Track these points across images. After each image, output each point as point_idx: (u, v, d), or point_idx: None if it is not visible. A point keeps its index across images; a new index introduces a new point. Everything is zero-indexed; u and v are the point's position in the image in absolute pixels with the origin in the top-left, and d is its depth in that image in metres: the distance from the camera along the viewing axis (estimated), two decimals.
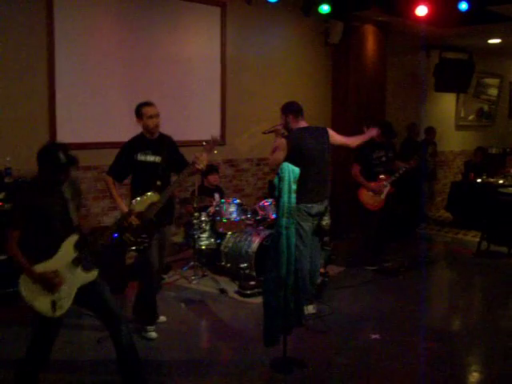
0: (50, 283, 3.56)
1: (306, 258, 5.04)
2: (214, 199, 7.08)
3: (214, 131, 6.75)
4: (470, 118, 13.04)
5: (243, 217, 6.85)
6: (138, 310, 5.01)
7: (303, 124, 5.22)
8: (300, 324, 4.57)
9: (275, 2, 7.90)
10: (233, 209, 6.82)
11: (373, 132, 5.92)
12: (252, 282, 6.17)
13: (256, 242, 6.51)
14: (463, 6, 7.86)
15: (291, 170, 4.29)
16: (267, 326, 4.38)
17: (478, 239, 8.34)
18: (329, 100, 9.33)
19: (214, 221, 6.81)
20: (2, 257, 5.50)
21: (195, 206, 6.56)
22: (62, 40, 6.22)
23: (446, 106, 12.26)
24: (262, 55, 8.31)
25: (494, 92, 13.37)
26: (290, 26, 8.64)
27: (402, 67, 10.43)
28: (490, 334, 5.23)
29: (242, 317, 5.65)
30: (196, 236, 6.61)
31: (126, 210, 4.55)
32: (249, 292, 6.07)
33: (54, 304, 3.57)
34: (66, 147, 3.64)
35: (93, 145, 6.45)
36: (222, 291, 6.24)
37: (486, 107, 13.36)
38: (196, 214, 6.62)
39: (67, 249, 3.65)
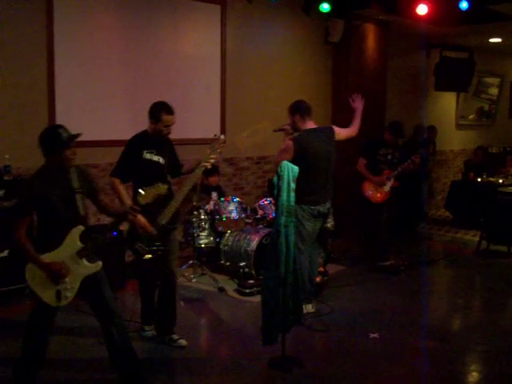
0: (55, 274, 3.57)
1: (306, 258, 5.04)
2: (212, 198, 7.07)
3: (216, 132, 6.72)
4: (471, 117, 13.03)
5: (243, 215, 6.85)
6: (163, 319, 4.84)
7: (311, 125, 5.13)
8: (299, 323, 4.56)
9: (275, 1, 7.89)
10: (232, 207, 6.82)
11: (358, 104, 5.75)
12: (251, 281, 6.18)
13: (255, 240, 6.51)
14: (464, 5, 7.83)
15: (290, 169, 4.29)
16: (266, 324, 4.37)
17: (477, 238, 8.34)
18: (329, 99, 9.32)
19: (213, 219, 6.80)
20: (4, 254, 5.53)
21: (194, 204, 6.56)
22: (61, 38, 6.20)
23: (446, 105, 12.25)
24: (262, 53, 8.30)
25: (494, 91, 13.36)
26: (290, 25, 8.62)
27: (403, 66, 10.41)
28: (490, 333, 5.23)
29: (240, 315, 5.65)
30: (195, 234, 6.61)
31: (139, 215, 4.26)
32: (248, 291, 6.08)
33: (58, 294, 3.59)
34: (64, 126, 3.68)
35: (93, 143, 6.42)
36: (221, 290, 6.24)
37: (486, 106, 13.35)
38: (195, 213, 6.61)
39: (72, 240, 3.64)
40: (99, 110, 6.57)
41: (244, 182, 8.31)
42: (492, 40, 10.84)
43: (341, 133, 5.37)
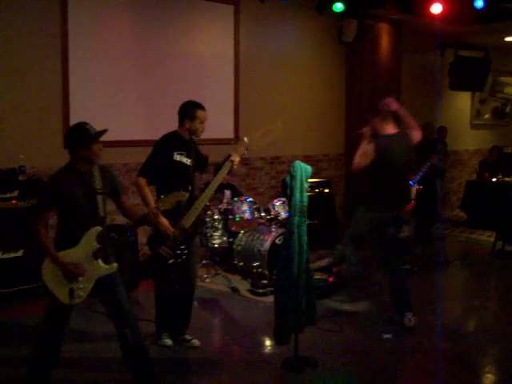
0: (70, 274, 3.59)
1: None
2: (224, 196, 7.05)
3: (230, 132, 6.71)
4: (486, 116, 12.92)
5: (256, 215, 6.84)
6: (178, 320, 4.81)
7: (390, 128, 5.17)
8: (312, 323, 4.54)
9: (286, 1, 7.88)
10: (245, 207, 6.81)
11: (395, 106, 5.43)
12: (264, 281, 6.17)
13: (268, 240, 6.50)
14: (479, 4, 7.77)
15: (303, 169, 4.28)
16: (279, 324, 4.36)
17: (492, 239, 8.27)
18: (343, 98, 9.29)
19: (226, 219, 6.80)
20: (19, 253, 5.58)
21: (208, 204, 6.55)
22: (75, 40, 6.25)
23: (461, 105, 12.15)
24: (276, 54, 8.29)
25: (510, 91, 13.22)
26: (304, 25, 8.61)
27: (417, 66, 10.36)
28: (505, 334, 5.18)
29: (254, 315, 5.65)
30: (209, 234, 6.61)
31: (162, 218, 4.21)
32: (261, 291, 6.07)
33: (72, 292, 3.61)
34: (90, 124, 3.71)
35: (107, 143, 6.40)
36: (234, 290, 6.24)
37: (501, 106, 13.22)
38: (209, 212, 6.61)
39: (89, 240, 3.66)
40: (113, 111, 6.60)
41: (258, 183, 8.31)
42: (508, 39, 10.73)
43: (413, 137, 5.31)
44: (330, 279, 6.15)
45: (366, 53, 9.03)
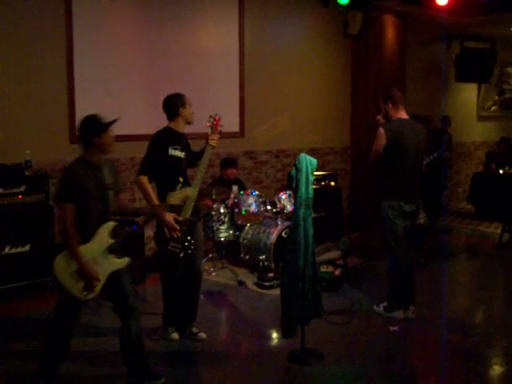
0: (88, 276, 3.60)
1: (404, 258, 5.11)
2: (232, 191, 7.06)
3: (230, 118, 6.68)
4: (493, 108, 12.85)
5: (262, 209, 6.84)
6: (185, 313, 4.81)
7: (403, 114, 5.15)
8: (318, 316, 4.54)
9: None
10: (251, 200, 6.80)
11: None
12: (270, 274, 6.18)
13: (275, 233, 6.51)
14: None
15: (309, 162, 4.27)
16: (285, 317, 4.36)
17: (499, 231, 8.24)
18: (348, 90, 9.26)
19: (232, 213, 6.81)
20: (26, 248, 5.60)
21: (214, 198, 6.56)
22: (80, 34, 6.25)
23: (467, 97, 12.10)
24: (281, 46, 8.27)
25: None
26: (309, 17, 8.58)
27: (423, 57, 10.32)
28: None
29: (260, 308, 5.66)
30: (215, 228, 6.62)
31: (167, 215, 4.31)
32: (267, 284, 6.08)
33: (86, 287, 3.62)
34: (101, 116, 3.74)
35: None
36: (241, 283, 6.25)
37: (508, 97, 13.14)
38: (215, 206, 6.62)
39: (103, 235, 3.69)
40: (119, 105, 6.59)
41: (263, 176, 8.31)
42: None
43: None
44: (336, 272, 6.15)
45: (371, 45, 8.99)
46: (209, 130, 4.70)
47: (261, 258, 6.40)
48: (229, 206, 6.82)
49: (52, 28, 6.10)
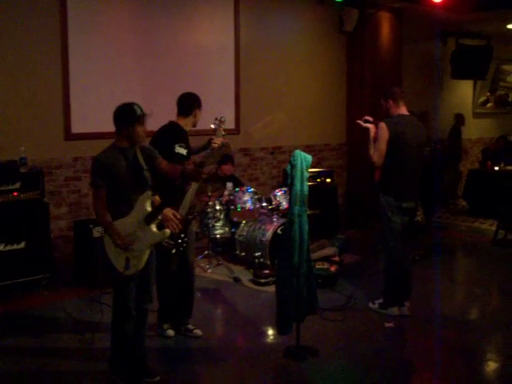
0: (119, 244, 3.67)
1: (401, 255, 5.11)
2: (226, 188, 7.05)
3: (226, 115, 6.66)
4: (488, 105, 12.87)
5: (257, 205, 6.84)
6: (180, 310, 4.82)
7: (404, 110, 5.17)
8: (313, 312, 4.56)
9: None
10: (247, 197, 6.80)
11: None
12: (266, 271, 6.19)
13: (270, 230, 6.51)
14: None
15: (303, 158, 4.27)
16: (280, 314, 4.37)
17: (494, 228, 8.25)
18: (344, 88, 9.26)
19: (228, 209, 6.81)
20: (21, 246, 5.59)
21: (209, 194, 6.56)
22: (75, 32, 6.23)
23: (463, 94, 12.11)
24: (276, 43, 8.26)
25: None
26: (304, 14, 8.57)
27: (418, 54, 10.32)
28: (506, 322, 5.18)
29: (255, 305, 5.66)
30: (210, 225, 6.62)
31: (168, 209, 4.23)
32: (263, 280, 6.09)
33: (127, 261, 3.67)
34: (138, 104, 3.80)
35: (108, 134, 6.42)
36: (237, 280, 6.26)
37: (504, 94, 13.17)
38: (210, 203, 6.62)
39: (141, 205, 3.73)
40: (114, 103, 6.51)
41: (259, 173, 8.30)
42: (510, 26, 10.64)
43: None
44: (332, 268, 6.15)
45: (366, 42, 8.98)
46: (216, 128, 4.66)
47: (256, 254, 6.41)
48: (223, 202, 6.83)
49: (47, 26, 6.07)
